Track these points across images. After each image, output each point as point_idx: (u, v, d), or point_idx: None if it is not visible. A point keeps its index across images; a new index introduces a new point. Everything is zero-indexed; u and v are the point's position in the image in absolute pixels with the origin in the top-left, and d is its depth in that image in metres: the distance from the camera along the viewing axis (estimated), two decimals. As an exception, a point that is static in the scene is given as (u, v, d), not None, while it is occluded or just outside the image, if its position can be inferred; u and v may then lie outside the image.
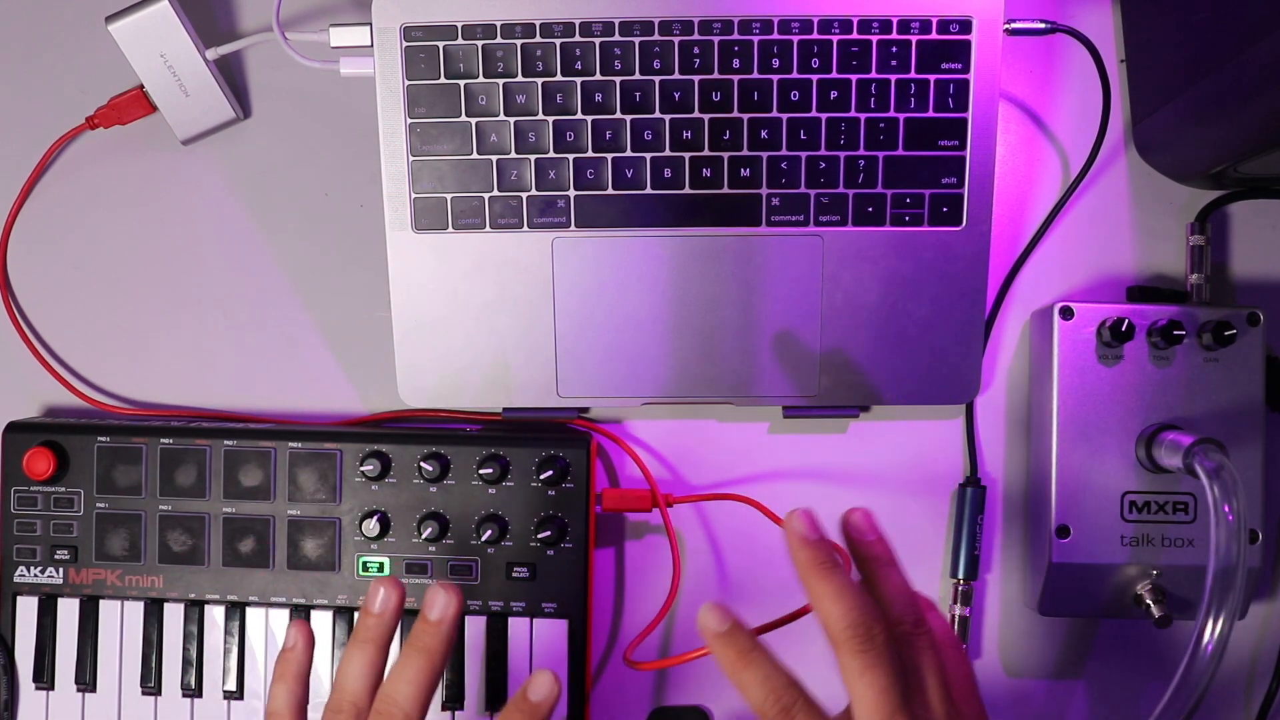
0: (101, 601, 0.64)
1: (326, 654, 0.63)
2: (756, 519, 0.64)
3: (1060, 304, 0.60)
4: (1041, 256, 0.65)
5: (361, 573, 0.62)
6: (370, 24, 0.60)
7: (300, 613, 0.63)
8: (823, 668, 0.65)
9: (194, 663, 0.63)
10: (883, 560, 0.46)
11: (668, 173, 0.60)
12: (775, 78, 0.60)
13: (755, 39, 0.59)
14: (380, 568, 0.62)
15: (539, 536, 0.61)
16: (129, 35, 0.63)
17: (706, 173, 0.60)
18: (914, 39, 0.59)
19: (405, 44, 0.60)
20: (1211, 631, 0.49)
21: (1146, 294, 0.64)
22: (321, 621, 0.63)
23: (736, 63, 0.60)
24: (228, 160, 0.67)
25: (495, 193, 0.61)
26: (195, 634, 0.63)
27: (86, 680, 0.63)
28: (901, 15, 0.59)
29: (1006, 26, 0.60)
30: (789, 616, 0.58)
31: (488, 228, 0.61)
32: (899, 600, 0.45)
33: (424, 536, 0.61)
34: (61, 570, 0.64)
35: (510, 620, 0.62)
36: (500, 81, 0.60)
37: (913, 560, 0.65)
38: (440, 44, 0.60)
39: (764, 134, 0.60)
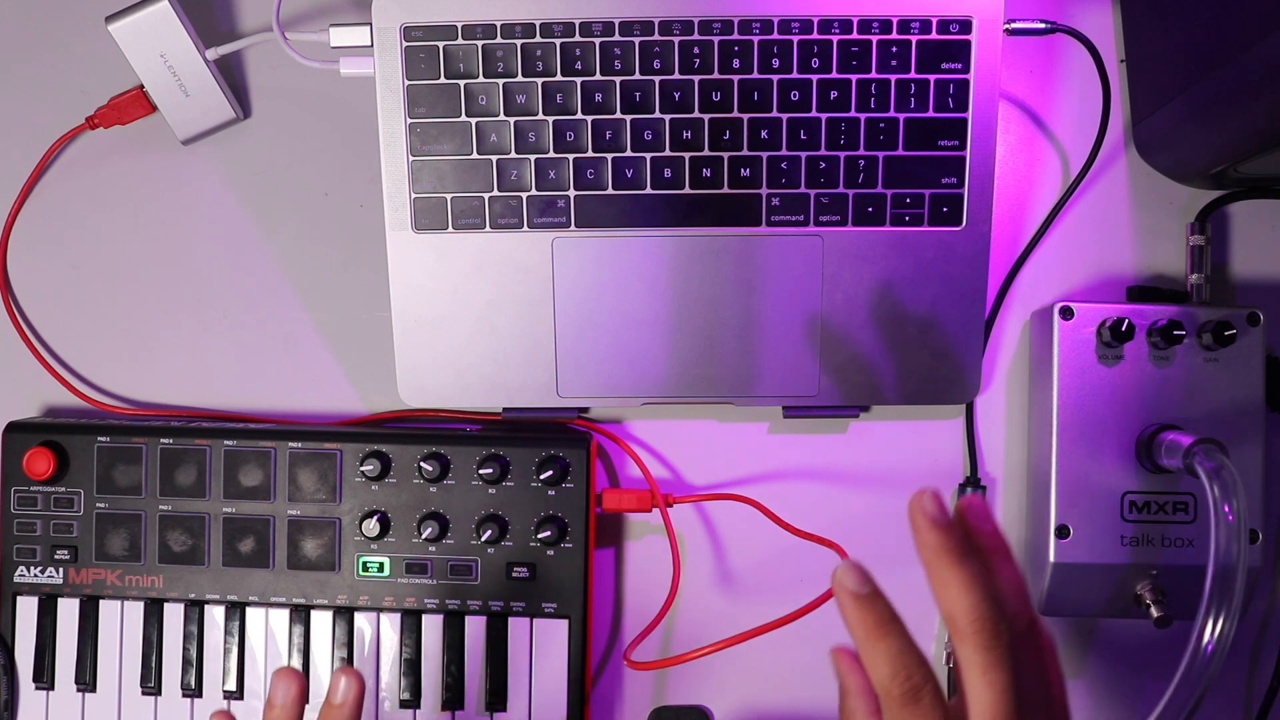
0: (101, 601, 0.64)
1: (326, 654, 0.63)
2: (756, 519, 0.64)
3: (1060, 304, 0.60)
4: (1041, 256, 0.65)
5: (361, 573, 0.62)
6: (370, 24, 0.60)
7: (300, 613, 0.63)
8: (824, 669, 0.65)
9: (194, 663, 0.63)
10: (1000, 553, 0.44)
11: (668, 173, 0.60)
12: (775, 78, 0.60)
13: (755, 39, 0.59)
14: (380, 567, 0.62)
15: (539, 536, 0.61)
16: (129, 35, 0.63)
17: (706, 173, 0.60)
18: (914, 39, 0.59)
19: (405, 44, 0.60)
20: (1211, 631, 0.49)
21: (1146, 294, 0.64)
22: (321, 621, 0.63)
23: (736, 63, 0.60)
24: (228, 160, 0.67)
25: (495, 193, 0.61)
26: (195, 634, 0.63)
27: (86, 680, 0.63)
28: (901, 15, 0.59)
29: (1006, 26, 0.60)
30: (789, 617, 0.58)
31: (488, 228, 0.61)
32: (1015, 597, 0.44)
33: (424, 536, 0.61)
34: (61, 570, 0.64)
35: (510, 620, 0.62)
36: (500, 81, 0.60)
37: (913, 561, 0.65)
38: (440, 44, 0.60)
39: (764, 134, 0.60)
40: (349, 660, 0.63)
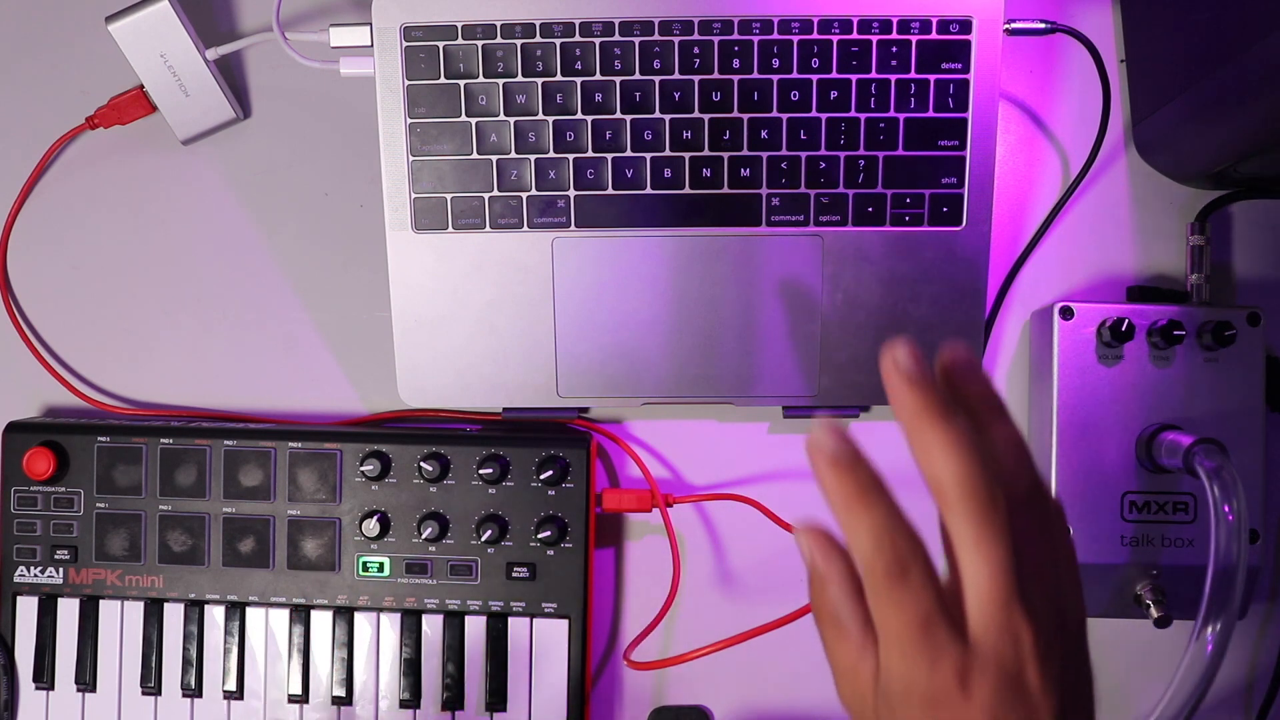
0: (101, 601, 0.64)
1: (326, 654, 0.63)
2: (756, 519, 0.64)
3: (1060, 304, 0.60)
4: (1041, 256, 0.65)
5: (361, 573, 0.62)
6: (370, 24, 0.60)
7: (300, 613, 0.63)
8: (824, 669, 0.65)
9: (194, 663, 0.63)
10: (994, 410, 0.38)
11: (668, 173, 0.60)
12: (775, 78, 0.60)
13: (755, 39, 0.59)
14: (380, 567, 0.62)
15: (539, 536, 0.61)
16: (129, 35, 0.63)
17: (706, 173, 0.60)
18: (914, 39, 0.59)
19: (405, 44, 0.60)
20: (1211, 631, 0.49)
21: (1146, 294, 0.64)
22: (321, 621, 0.63)
23: (736, 63, 0.60)
24: (228, 160, 0.67)
25: (495, 193, 0.61)
26: (195, 634, 0.63)
27: (86, 680, 0.63)
28: (901, 15, 0.59)
29: (1006, 26, 0.60)
30: (789, 617, 0.58)
31: (488, 228, 0.61)
32: (1013, 460, 0.38)
33: (424, 536, 0.61)
34: (61, 570, 0.64)
35: (510, 620, 0.62)
36: (500, 81, 0.60)
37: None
38: (440, 44, 0.60)
39: (764, 134, 0.60)
40: (349, 660, 0.63)
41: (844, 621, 0.38)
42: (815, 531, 0.39)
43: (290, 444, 0.63)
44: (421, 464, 0.61)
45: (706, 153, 0.60)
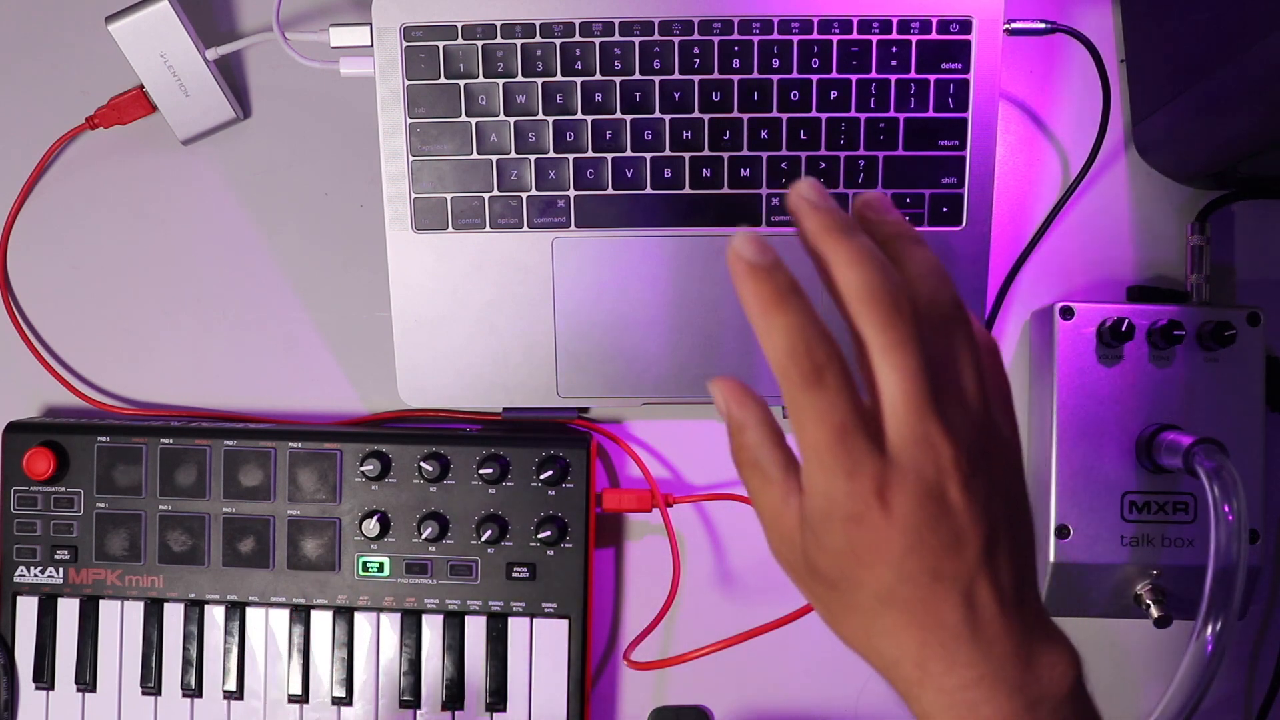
0: (101, 601, 0.64)
1: (326, 654, 0.63)
2: (756, 519, 0.63)
3: (1060, 304, 0.60)
4: (1041, 256, 0.65)
5: (361, 573, 0.62)
6: (370, 24, 0.60)
7: (300, 613, 0.63)
8: (824, 669, 0.65)
9: (194, 663, 0.63)
10: (907, 237, 0.38)
11: (668, 173, 0.60)
12: (775, 78, 0.60)
13: (755, 39, 0.59)
14: (380, 567, 0.62)
15: (539, 536, 0.61)
16: (129, 35, 0.63)
17: (706, 173, 0.60)
18: (914, 39, 0.59)
19: (405, 44, 0.60)
20: (1211, 631, 0.49)
21: (1146, 294, 0.64)
22: (321, 621, 0.63)
23: (736, 63, 0.59)
24: (228, 160, 0.67)
25: (495, 193, 0.61)
26: (195, 634, 0.63)
27: (86, 680, 0.63)
28: (901, 15, 0.59)
29: (1006, 26, 0.60)
30: (789, 617, 0.58)
31: (488, 228, 0.61)
32: (928, 280, 0.37)
33: (424, 536, 0.61)
34: (61, 570, 0.64)
35: (510, 620, 0.62)
36: (500, 81, 0.60)
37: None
38: (440, 44, 0.60)
39: (764, 134, 0.60)
40: (349, 660, 0.63)
41: (765, 466, 0.38)
42: (728, 382, 0.38)
43: (290, 444, 0.63)
44: (421, 464, 0.61)
45: (706, 153, 0.60)
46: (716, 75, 0.60)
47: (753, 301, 0.36)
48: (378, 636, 0.63)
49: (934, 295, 0.36)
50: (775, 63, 0.59)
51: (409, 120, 0.60)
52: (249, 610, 0.63)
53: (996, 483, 0.36)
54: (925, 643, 0.36)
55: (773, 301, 0.35)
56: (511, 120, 0.60)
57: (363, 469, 0.62)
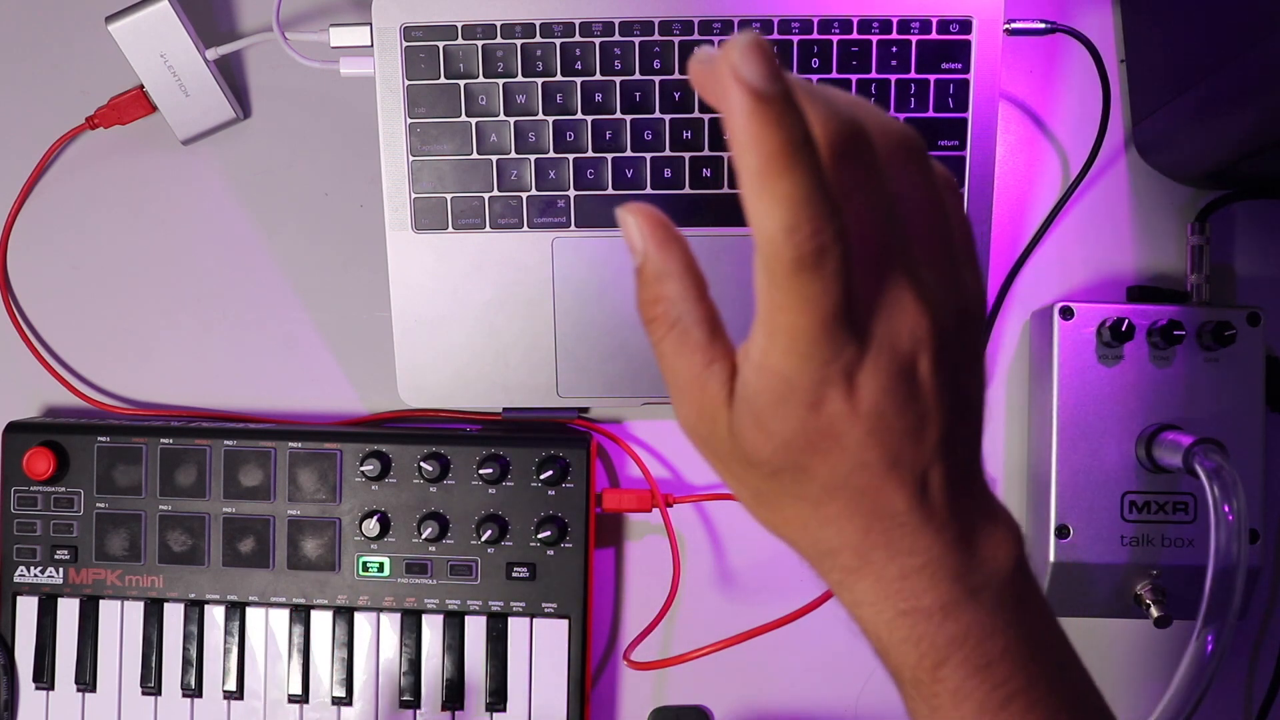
0: (101, 601, 0.64)
1: (326, 654, 0.63)
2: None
3: (1060, 304, 0.60)
4: (1041, 256, 0.65)
5: (361, 573, 0.62)
6: (370, 24, 0.60)
7: (300, 613, 0.63)
8: (824, 669, 0.65)
9: (194, 663, 0.63)
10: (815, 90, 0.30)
11: (668, 173, 0.60)
12: (775, 78, 0.59)
13: (755, 39, 0.59)
14: (380, 567, 0.62)
15: (539, 536, 0.61)
16: (129, 35, 0.63)
17: (706, 173, 0.60)
18: (914, 39, 0.59)
19: (405, 44, 0.60)
20: (1211, 631, 0.49)
21: (1146, 294, 0.64)
22: (321, 621, 0.63)
23: (736, 63, 0.59)
24: (228, 160, 0.67)
25: (495, 193, 0.61)
26: (195, 634, 0.63)
27: (86, 680, 0.63)
28: (901, 15, 0.59)
29: (1006, 26, 0.60)
30: (789, 617, 0.58)
31: (488, 228, 0.61)
32: (869, 109, 0.31)
33: (424, 536, 0.61)
34: (61, 570, 0.64)
35: (510, 620, 0.62)
36: (500, 81, 0.60)
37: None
38: (440, 44, 0.60)
39: (764, 134, 0.60)
40: (349, 660, 0.63)
41: (687, 326, 0.33)
42: (647, 213, 0.32)
43: (290, 444, 0.63)
44: (421, 464, 0.61)
45: (706, 153, 0.60)
46: (716, 75, 0.60)
47: (750, 151, 0.27)
48: (378, 636, 0.63)
49: (886, 125, 0.31)
50: (775, 63, 0.59)
51: (409, 120, 0.60)
52: (249, 610, 0.63)
53: (966, 351, 0.33)
54: (869, 530, 0.33)
55: (779, 157, 0.27)
56: (511, 120, 0.60)
57: (363, 469, 0.62)
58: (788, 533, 0.35)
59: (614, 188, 0.61)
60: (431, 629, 0.62)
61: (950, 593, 0.33)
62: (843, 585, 0.35)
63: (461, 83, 0.60)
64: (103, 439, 0.63)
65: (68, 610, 0.64)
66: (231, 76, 0.67)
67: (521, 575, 0.62)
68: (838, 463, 0.32)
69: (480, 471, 0.61)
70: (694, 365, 0.33)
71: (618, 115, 0.60)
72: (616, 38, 0.59)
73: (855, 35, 0.59)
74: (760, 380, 0.31)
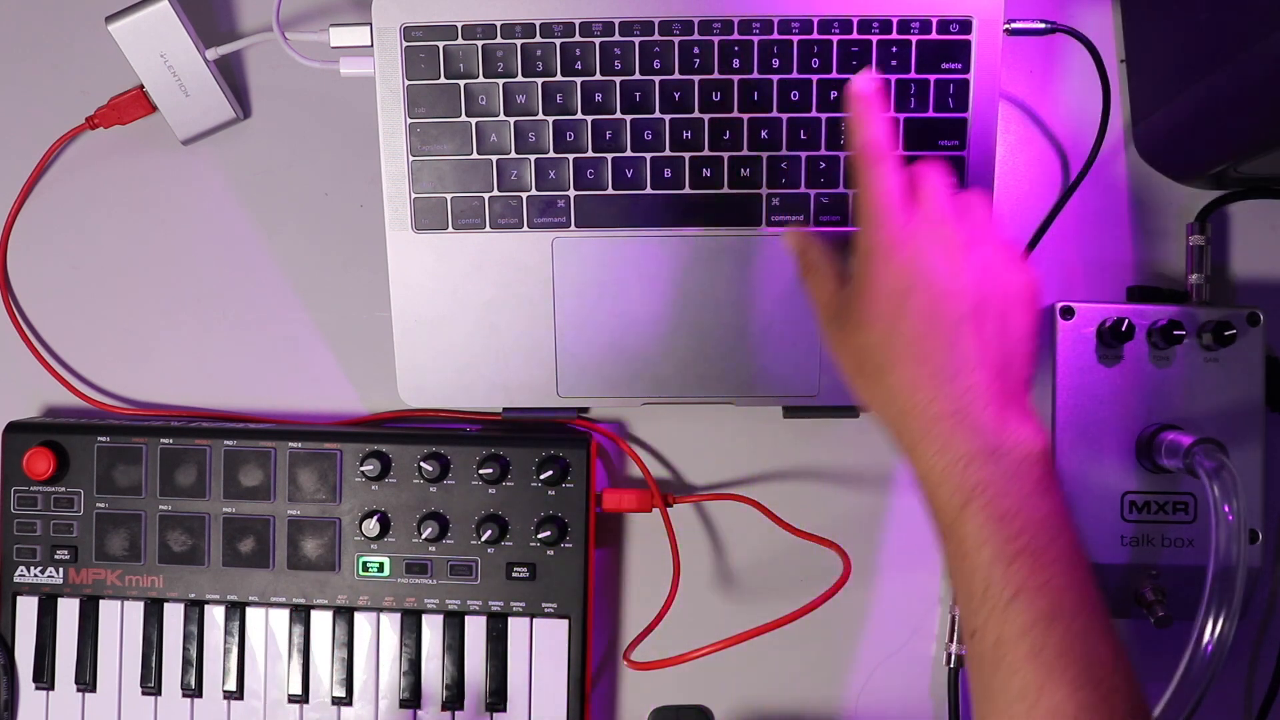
0: (101, 601, 0.64)
1: (326, 654, 0.63)
2: (756, 519, 0.64)
3: (1060, 304, 0.60)
4: (1041, 256, 0.65)
5: (361, 573, 0.62)
6: (370, 24, 0.60)
7: (300, 613, 0.63)
8: (824, 669, 0.65)
9: (194, 663, 0.63)
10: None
11: (668, 173, 0.60)
12: (775, 78, 0.60)
13: (755, 39, 0.59)
14: (380, 567, 0.62)
15: (539, 536, 0.61)
16: (129, 35, 0.63)
17: (706, 173, 0.60)
18: (914, 39, 0.59)
19: (405, 44, 0.60)
20: (1211, 631, 0.49)
21: (1146, 294, 0.64)
22: (321, 621, 0.63)
23: (736, 63, 0.59)
24: (228, 160, 0.67)
25: (495, 193, 0.61)
26: (195, 634, 0.63)
27: (86, 680, 0.63)
28: (901, 15, 0.59)
29: (1006, 26, 0.60)
30: (789, 617, 0.58)
31: (488, 228, 0.61)
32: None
33: (424, 536, 0.61)
34: (61, 570, 0.64)
35: (510, 620, 0.62)
36: (500, 81, 0.60)
37: (913, 562, 0.65)
38: (440, 44, 0.60)
39: (764, 134, 0.60)
40: (349, 660, 0.63)
41: (822, 267, 0.54)
42: (796, 231, 0.58)
43: (290, 444, 0.63)
44: (421, 464, 0.61)
45: (706, 153, 0.60)
46: (716, 75, 0.60)
47: (856, 111, 0.52)
48: (378, 636, 0.63)
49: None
50: (775, 63, 0.59)
51: (409, 120, 0.60)
52: (249, 610, 0.63)
53: (1007, 264, 0.51)
54: (932, 376, 0.48)
55: (873, 116, 0.51)
56: (511, 120, 0.60)
57: (363, 469, 0.62)
58: (870, 388, 0.50)
59: (614, 188, 0.61)
60: (431, 629, 0.62)
61: (980, 444, 0.46)
62: (903, 430, 0.49)
63: (461, 83, 0.60)
64: (103, 439, 0.63)
65: (68, 610, 0.64)
66: (231, 76, 0.67)
67: (521, 575, 0.62)
68: (904, 307, 0.49)
69: (480, 471, 0.61)
70: (828, 286, 0.54)
71: (618, 115, 0.60)
72: (616, 38, 0.59)
73: (855, 35, 0.59)
74: (861, 245, 0.51)
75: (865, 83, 0.52)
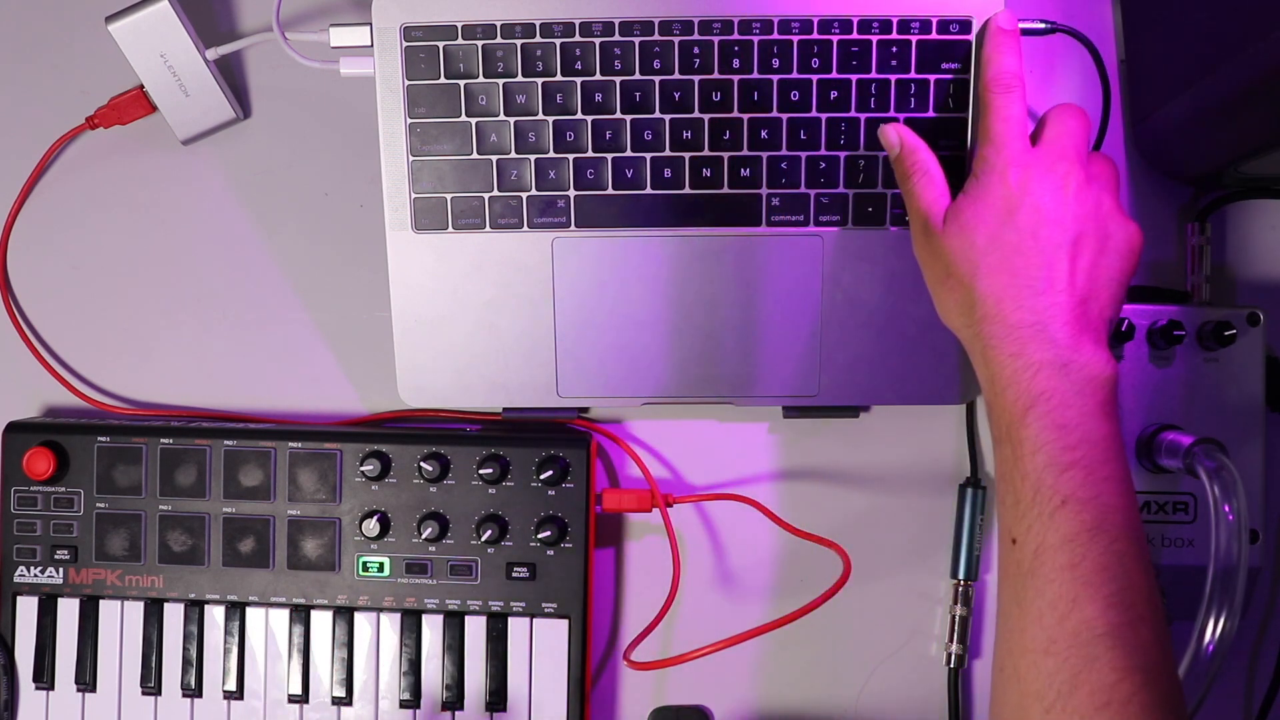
0: (101, 601, 0.64)
1: (326, 654, 0.63)
2: (756, 519, 0.64)
3: (1060, 304, 0.60)
4: (1041, 256, 0.65)
5: (361, 573, 0.62)
6: (370, 24, 0.60)
7: (300, 613, 0.63)
8: (824, 669, 0.65)
9: (194, 663, 0.63)
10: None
11: (668, 173, 0.60)
12: (775, 78, 0.60)
13: (755, 39, 0.59)
14: (380, 567, 0.62)
15: (539, 536, 0.61)
16: (129, 35, 0.63)
17: (706, 173, 0.60)
18: (914, 39, 0.59)
19: (405, 44, 0.60)
20: (1211, 631, 0.50)
21: (1146, 294, 0.64)
22: (321, 621, 0.63)
23: (736, 63, 0.59)
24: (228, 160, 0.67)
25: (495, 193, 0.61)
26: (195, 634, 0.63)
27: (86, 680, 0.63)
28: (901, 15, 0.59)
29: (1006, 26, 0.60)
30: (789, 617, 0.58)
31: (488, 228, 0.61)
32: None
33: (424, 536, 0.61)
34: (61, 570, 0.64)
35: (510, 620, 0.62)
36: (500, 81, 0.60)
37: (913, 561, 0.65)
38: (440, 44, 0.60)
39: (764, 134, 0.60)
40: (349, 660, 0.63)
41: (932, 172, 0.55)
42: (901, 127, 0.58)
43: (290, 444, 0.63)
44: (421, 464, 0.61)
45: (706, 153, 0.60)
46: (716, 75, 0.60)
47: (995, 44, 0.56)
48: (378, 636, 0.63)
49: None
50: (775, 63, 0.59)
51: (409, 120, 0.60)
52: (249, 610, 0.63)
53: (1108, 203, 0.54)
54: (1012, 284, 0.50)
55: (1011, 49, 0.56)
56: (511, 120, 0.60)
57: (363, 469, 0.62)
58: (955, 292, 0.53)
59: (614, 187, 0.61)
60: (431, 629, 0.62)
61: (1051, 356, 0.49)
62: (979, 334, 0.51)
63: (461, 83, 0.60)
64: (103, 439, 0.63)
65: (68, 610, 0.64)
66: (231, 76, 0.67)
67: (521, 575, 0.62)
68: (1008, 221, 0.51)
69: (480, 471, 0.61)
70: (933, 193, 0.55)
71: (618, 115, 0.60)
72: (616, 38, 0.59)
73: (855, 35, 0.59)
74: (973, 178, 0.53)
75: (1007, 19, 0.56)
